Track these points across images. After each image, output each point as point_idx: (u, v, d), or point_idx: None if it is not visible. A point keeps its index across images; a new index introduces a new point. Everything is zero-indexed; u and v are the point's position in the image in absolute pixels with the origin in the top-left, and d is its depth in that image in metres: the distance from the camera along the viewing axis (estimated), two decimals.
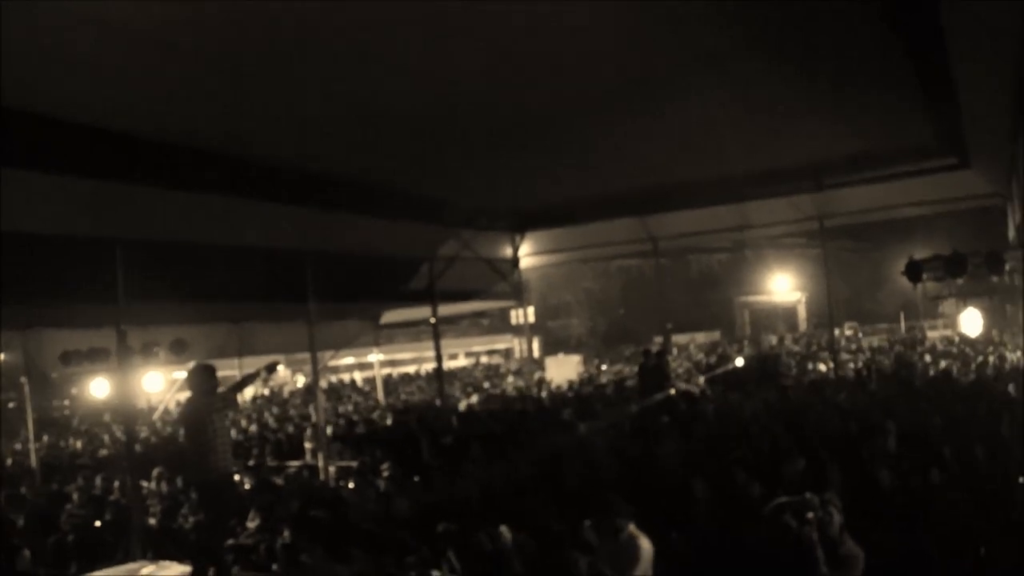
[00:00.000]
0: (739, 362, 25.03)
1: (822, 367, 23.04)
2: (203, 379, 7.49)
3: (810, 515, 5.66)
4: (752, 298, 51.14)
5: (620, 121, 10.01)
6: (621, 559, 6.28)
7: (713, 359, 29.14)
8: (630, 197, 14.86)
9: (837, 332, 25.14)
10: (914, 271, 10.26)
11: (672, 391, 15.61)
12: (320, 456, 13.91)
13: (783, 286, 50.73)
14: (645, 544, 6.39)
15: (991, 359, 20.33)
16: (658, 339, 25.25)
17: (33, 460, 16.25)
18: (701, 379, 20.98)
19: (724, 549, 7.36)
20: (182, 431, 8.09)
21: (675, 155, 12.03)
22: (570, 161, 11.81)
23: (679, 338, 40.98)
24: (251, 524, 9.85)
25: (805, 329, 47.34)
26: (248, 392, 19.55)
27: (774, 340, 40.95)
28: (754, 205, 15.07)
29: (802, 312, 50.48)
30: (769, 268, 49.85)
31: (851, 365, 22.34)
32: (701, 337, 45.67)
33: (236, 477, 9.88)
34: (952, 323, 31.89)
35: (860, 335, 39.34)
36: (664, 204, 15.35)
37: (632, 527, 6.50)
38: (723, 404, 15.61)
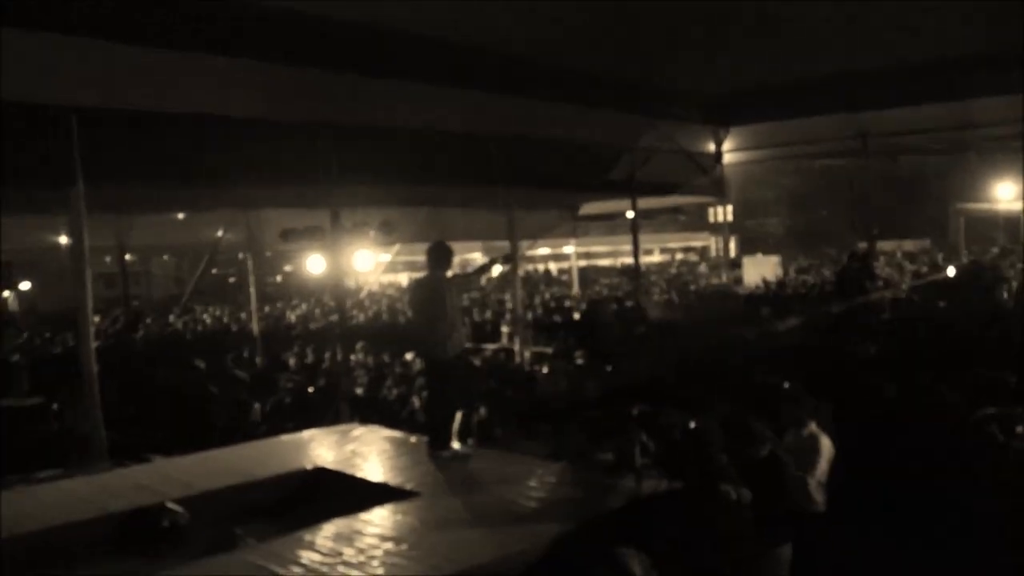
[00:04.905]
0: (951, 271, 23.73)
1: None
2: (439, 256, 7.52)
3: (1020, 428, 5.40)
4: (970, 205, 47.66)
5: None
6: (801, 454, 6.24)
7: (922, 267, 27.74)
8: (841, 89, 14.11)
9: None
10: None
11: (875, 295, 15.04)
12: (516, 341, 14.33)
13: (1008, 193, 46.94)
14: (825, 443, 6.29)
15: None
16: (862, 244, 24.20)
17: (255, 329, 17.52)
18: (905, 286, 20.06)
19: (914, 453, 7.16)
20: (414, 307, 8.17)
21: (893, 41, 11.23)
22: (779, 49, 11.29)
23: (884, 244, 39.13)
24: None
25: None
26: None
27: (994, 250, 38.37)
28: (984, 101, 13.88)
29: None
30: (994, 172, 46.22)
31: None
32: (909, 244, 43.38)
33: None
34: None
35: None
36: (878, 98, 14.46)
37: (814, 425, 6.41)
38: (929, 312, 14.94)
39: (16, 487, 6.87)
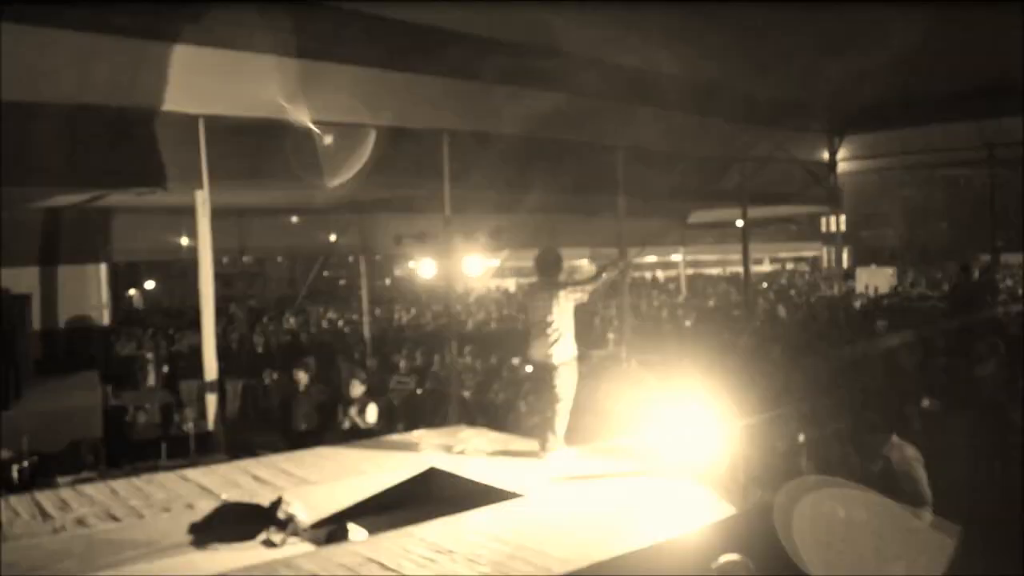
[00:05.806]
0: None
1: None
2: (549, 262, 7.44)
3: None
4: None
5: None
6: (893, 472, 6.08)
7: None
8: (964, 96, 13.63)
9: None
10: None
11: (998, 312, 14.44)
12: (623, 348, 14.28)
13: None
14: (911, 452, 6.08)
15: None
16: (985, 256, 23.28)
17: (366, 331, 17.89)
18: None
19: None
20: (525, 311, 8.14)
21: (1019, 47, 10.81)
22: (897, 53, 10.99)
23: (1010, 258, 37.57)
24: None
25: None
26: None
27: None
28: None
29: None
30: None
31: None
32: None
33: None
34: None
35: None
36: (1004, 107, 13.87)
37: (894, 438, 6.17)
38: None
39: (143, 475, 7.21)
